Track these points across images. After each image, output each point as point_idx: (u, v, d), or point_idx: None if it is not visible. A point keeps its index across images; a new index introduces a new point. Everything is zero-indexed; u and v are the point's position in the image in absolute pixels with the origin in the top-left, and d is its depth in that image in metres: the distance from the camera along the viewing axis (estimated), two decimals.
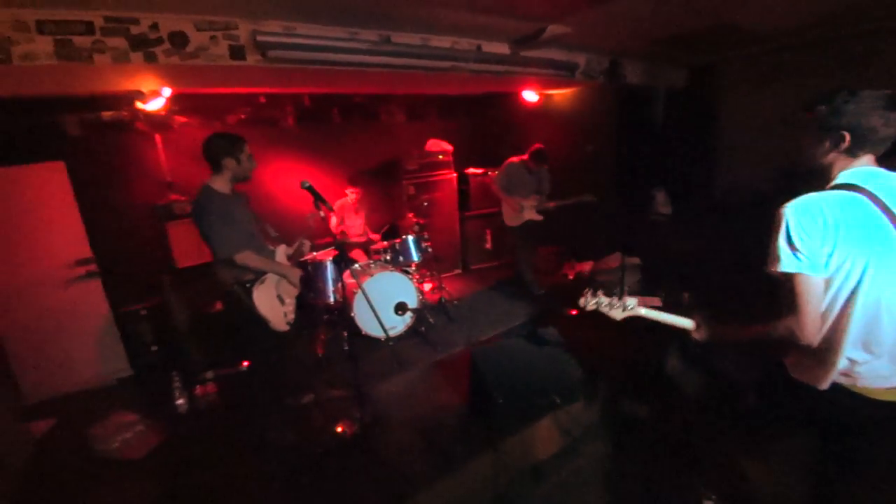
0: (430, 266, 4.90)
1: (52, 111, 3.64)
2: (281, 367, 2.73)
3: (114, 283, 3.80)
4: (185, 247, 3.85)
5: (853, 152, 1.28)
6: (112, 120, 3.84)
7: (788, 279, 1.27)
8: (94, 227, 3.66)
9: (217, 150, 2.39)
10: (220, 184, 2.43)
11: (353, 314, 3.67)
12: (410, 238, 4.19)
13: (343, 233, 4.62)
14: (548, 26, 3.13)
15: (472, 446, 2.53)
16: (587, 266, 5.02)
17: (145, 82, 2.90)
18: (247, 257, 2.41)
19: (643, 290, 4.13)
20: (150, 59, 2.31)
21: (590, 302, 1.75)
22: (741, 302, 4.01)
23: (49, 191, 3.47)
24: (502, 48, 3.53)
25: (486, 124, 6.31)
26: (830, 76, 3.69)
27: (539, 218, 4.62)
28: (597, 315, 1.75)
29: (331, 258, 3.85)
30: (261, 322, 2.46)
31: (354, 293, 3.67)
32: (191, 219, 2.47)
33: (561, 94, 5.28)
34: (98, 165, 3.85)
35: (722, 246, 4.08)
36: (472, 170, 5.82)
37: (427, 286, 4.98)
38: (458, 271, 5.94)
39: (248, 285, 2.45)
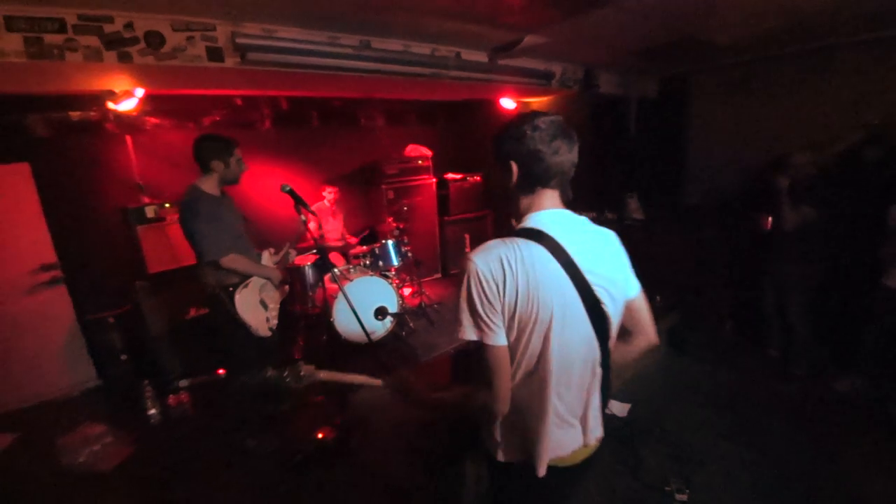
0: (410, 270, 4.90)
1: (17, 110, 3.50)
2: (259, 373, 2.68)
3: (81, 290, 3.66)
4: (158, 251, 3.73)
5: (527, 183, 1.09)
6: (80, 120, 3.71)
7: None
8: (60, 232, 3.54)
9: (206, 151, 2.36)
10: (209, 185, 2.39)
11: (332, 319, 3.64)
12: (390, 242, 4.20)
13: (322, 237, 4.58)
14: (525, 36, 3.22)
15: (453, 449, 2.54)
16: None
17: (118, 82, 2.82)
18: (233, 260, 2.37)
19: None
20: (125, 58, 2.26)
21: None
22: (709, 302, 4.20)
23: (12, 193, 3.34)
24: (481, 56, 3.59)
25: (465, 130, 6.37)
26: (793, 86, 3.91)
27: None
28: None
29: (309, 263, 3.82)
30: (242, 327, 2.42)
31: (334, 298, 3.65)
32: (178, 219, 2.41)
33: (538, 102, 5.39)
34: (65, 167, 3.71)
35: (691, 249, 4.25)
36: (451, 175, 5.87)
37: (407, 291, 4.98)
38: (438, 276, 5.97)
39: (230, 289, 2.41)
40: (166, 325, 3.62)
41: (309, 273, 3.79)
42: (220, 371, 3.44)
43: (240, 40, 2.42)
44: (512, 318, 1.01)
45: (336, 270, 3.95)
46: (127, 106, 3.07)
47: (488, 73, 3.63)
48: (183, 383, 3.36)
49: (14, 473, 2.71)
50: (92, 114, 3.69)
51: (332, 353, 3.72)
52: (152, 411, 3.05)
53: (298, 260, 3.80)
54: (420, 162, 5.58)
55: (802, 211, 3.09)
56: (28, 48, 2.11)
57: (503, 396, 1.07)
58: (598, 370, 1.13)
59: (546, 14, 2.78)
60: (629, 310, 1.19)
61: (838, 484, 2.36)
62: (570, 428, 1.14)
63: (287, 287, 2.83)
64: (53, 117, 3.65)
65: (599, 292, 1.06)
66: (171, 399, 3.16)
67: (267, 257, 2.69)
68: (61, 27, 2.16)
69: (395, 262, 4.20)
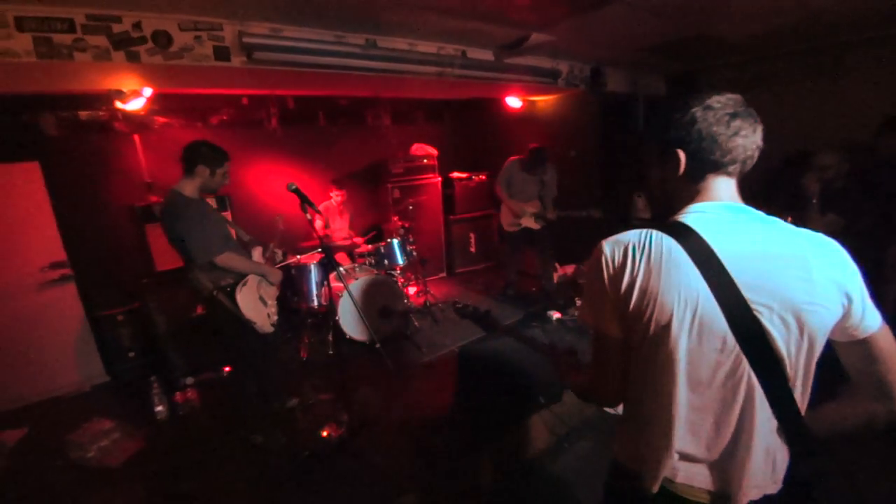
0: (415, 269, 4.90)
1: (27, 110, 3.54)
2: (266, 370, 2.70)
3: (90, 287, 3.70)
4: (165, 250, 3.74)
5: (695, 172, 0.94)
6: (89, 119, 3.75)
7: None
8: (69, 230, 3.57)
9: (198, 155, 2.37)
10: (188, 189, 2.40)
11: (337, 317, 3.65)
12: (395, 241, 4.19)
13: (327, 236, 4.60)
14: (531, 34, 3.20)
15: (458, 447, 2.54)
16: (570, 269, 5.10)
17: (126, 82, 2.85)
18: (229, 258, 2.39)
19: None
20: (133, 58, 2.28)
21: None
22: None
23: (22, 192, 3.38)
24: (487, 55, 3.58)
25: (471, 129, 6.36)
26: (804, 85, 3.86)
27: (536, 227, 4.49)
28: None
29: (315, 262, 3.83)
30: (246, 325, 2.44)
31: (339, 297, 3.66)
32: (160, 224, 2.43)
33: (544, 101, 5.37)
34: (74, 166, 3.75)
35: None
36: (456, 174, 5.87)
37: (412, 290, 4.98)
38: (443, 275, 5.96)
39: (229, 289, 2.42)
40: (173, 322, 3.64)
41: (314, 271, 3.80)
42: (227, 368, 3.46)
43: (246, 39, 2.43)
44: (626, 309, 0.91)
45: (342, 269, 3.96)
46: (135, 105, 3.10)
47: (494, 71, 3.62)
48: (190, 380, 3.39)
49: (25, 467, 2.75)
50: (101, 113, 3.73)
51: (337, 351, 3.73)
52: (160, 408, 3.07)
53: (304, 258, 3.82)
54: (426, 161, 5.58)
55: (829, 219, 2.92)
56: (38, 48, 2.14)
57: (603, 389, 1.02)
58: (757, 414, 0.87)
59: (553, 11, 2.76)
60: (864, 354, 0.90)
61: (844, 486, 2.32)
62: (701, 466, 0.94)
63: (279, 286, 2.82)
64: (63, 116, 3.69)
65: (763, 315, 0.84)
66: (179, 395, 3.19)
67: (257, 255, 2.71)
68: (70, 27, 2.18)
69: (401, 260, 4.20)
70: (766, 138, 0.90)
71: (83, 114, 3.71)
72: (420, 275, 4.83)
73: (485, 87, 4.32)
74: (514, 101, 5.27)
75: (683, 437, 0.92)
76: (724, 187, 0.93)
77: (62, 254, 3.54)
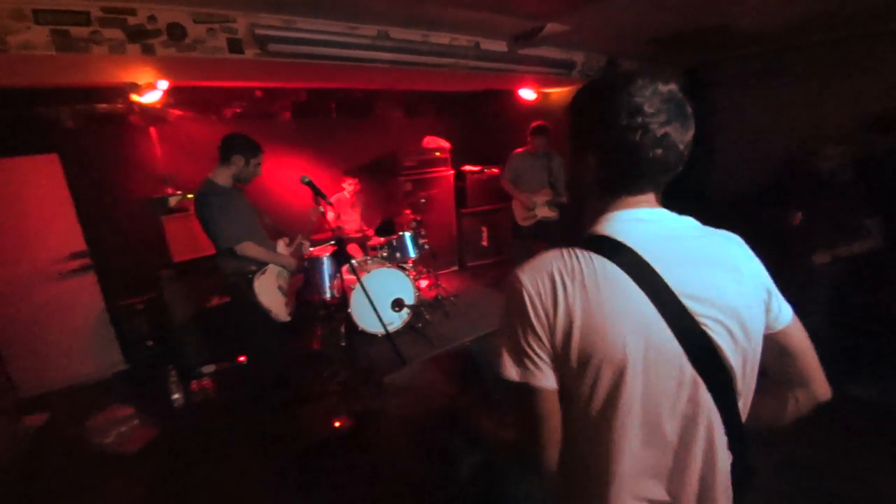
0: (427, 263, 4.90)
1: (46, 103, 3.60)
2: (281, 359, 2.75)
3: (109, 277, 3.79)
4: (182, 241, 3.82)
5: (609, 185, 0.81)
6: (107, 112, 3.80)
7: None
8: (88, 221, 3.66)
9: (234, 146, 2.49)
10: (221, 178, 2.49)
11: (349, 310, 3.67)
12: (407, 234, 4.20)
13: (339, 227, 4.62)
14: (546, 24, 3.15)
15: (467, 441, 2.54)
16: None
17: (142, 74, 2.87)
18: (247, 247, 2.45)
19: None
20: (148, 50, 2.29)
21: None
22: None
23: (43, 183, 3.47)
24: (500, 46, 3.53)
25: (484, 121, 6.31)
26: (824, 78, 3.73)
27: (554, 215, 4.33)
28: None
29: (328, 254, 3.85)
30: (263, 312, 2.49)
31: (351, 289, 3.68)
32: (193, 211, 2.52)
33: (558, 93, 5.29)
34: (92, 158, 3.82)
35: None
36: (469, 167, 5.84)
37: (423, 283, 4.98)
38: (455, 268, 5.96)
39: (249, 276, 2.48)
40: (190, 312, 3.71)
41: (327, 263, 3.83)
42: (241, 358, 3.52)
43: (259, 31, 2.43)
44: (566, 354, 0.74)
45: (354, 262, 3.98)
46: (151, 98, 3.13)
47: (508, 62, 3.57)
48: (205, 369, 3.46)
49: (46, 451, 2.84)
50: (118, 106, 3.77)
51: (349, 343, 3.77)
52: (176, 396, 3.14)
53: (317, 251, 3.85)
54: (438, 154, 5.55)
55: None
56: (55, 40, 2.16)
57: (549, 452, 0.82)
58: (717, 438, 0.77)
59: (566, 1, 2.71)
60: (778, 347, 0.84)
61: (856, 489, 2.29)
62: None
63: (302, 276, 2.88)
64: (81, 109, 3.74)
65: (711, 329, 0.74)
66: (195, 384, 3.26)
67: (282, 246, 2.76)
68: (86, 20, 2.20)
69: (413, 253, 4.21)
70: (784, 134, 0.80)
71: (100, 107, 3.76)
72: (432, 268, 4.83)
73: (498, 78, 4.27)
74: (528, 94, 5.21)
75: (644, 486, 0.77)
76: (640, 198, 0.81)
77: (82, 244, 3.63)
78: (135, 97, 3.11)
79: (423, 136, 5.66)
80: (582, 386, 0.75)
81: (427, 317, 4.22)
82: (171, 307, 3.67)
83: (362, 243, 4.70)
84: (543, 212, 4.34)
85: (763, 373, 0.85)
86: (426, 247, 4.37)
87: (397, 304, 3.91)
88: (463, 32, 3.29)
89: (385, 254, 4.16)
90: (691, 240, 0.79)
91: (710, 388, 0.74)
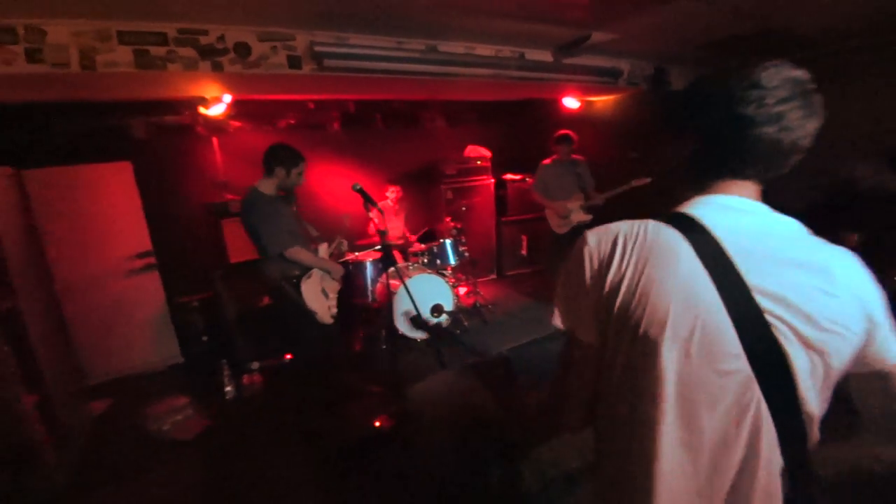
0: (466, 270, 4.94)
1: (121, 115, 3.94)
2: (325, 359, 2.85)
3: (170, 276, 4.06)
4: (238, 243, 4.07)
5: (706, 167, 0.78)
6: (175, 123, 4.12)
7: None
8: (154, 223, 3.94)
9: (275, 157, 2.57)
10: (266, 187, 2.60)
11: (391, 313, 3.76)
12: (448, 242, 4.25)
13: (385, 232, 4.74)
14: (592, 33, 3.14)
15: (504, 449, 2.54)
16: None
17: (209, 89, 3.11)
18: (297, 252, 2.56)
19: None
20: (217, 67, 2.49)
21: None
22: None
23: (117, 188, 3.78)
24: (545, 55, 3.55)
25: (525, 130, 6.31)
26: (887, 80, 3.50)
27: (588, 218, 4.34)
28: None
29: (371, 259, 3.98)
30: (308, 315, 2.60)
31: (393, 293, 3.77)
32: (239, 218, 2.65)
33: (602, 101, 5.23)
34: (160, 166, 4.13)
35: None
36: (510, 175, 5.84)
37: (462, 290, 5.02)
38: (493, 276, 5.96)
39: (295, 280, 2.59)
40: (242, 310, 3.92)
41: (370, 268, 3.95)
42: (287, 356, 3.68)
43: (317, 48, 2.58)
44: (609, 312, 0.74)
45: (398, 267, 4.08)
46: (216, 111, 3.37)
47: (552, 72, 3.58)
48: (255, 365, 3.63)
49: (109, 434, 3.07)
50: (185, 118, 4.09)
51: (389, 346, 3.85)
52: (228, 388, 3.32)
53: (361, 256, 3.98)
54: (479, 162, 5.60)
55: None
56: (136, 59, 2.39)
57: (569, 403, 0.83)
58: (763, 454, 0.68)
59: (615, 9, 2.70)
60: (882, 386, 0.74)
61: None
62: None
63: (341, 280, 2.97)
64: (152, 121, 4.08)
65: (778, 328, 0.67)
66: (245, 378, 3.43)
67: (324, 251, 2.86)
68: (164, 40, 2.42)
69: (453, 261, 4.26)
70: (837, 140, 0.76)
71: (169, 118, 4.09)
72: (470, 275, 4.86)
73: (542, 87, 4.28)
74: (571, 102, 5.18)
75: (669, 484, 0.70)
76: (742, 187, 0.76)
77: (148, 244, 3.91)
78: (202, 110, 3.36)
79: (464, 144, 5.73)
80: (619, 350, 0.74)
81: (465, 323, 4.25)
82: (225, 305, 3.89)
83: (404, 250, 4.81)
84: (578, 216, 4.34)
85: (855, 411, 0.77)
86: (466, 254, 4.41)
87: (436, 310, 3.96)
88: (508, 44, 3.34)
89: (426, 260, 4.23)
90: (783, 238, 0.72)
91: (766, 391, 0.68)
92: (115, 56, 2.36)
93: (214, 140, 4.33)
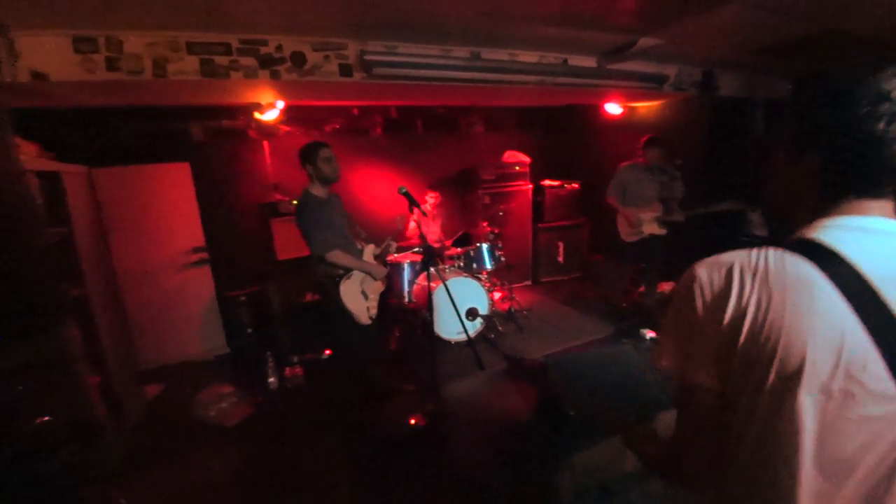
0: (501, 275, 4.95)
1: (181, 119, 4.23)
2: (362, 357, 2.94)
3: (220, 270, 4.28)
4: (286, 242, 4.27)
5: (833, 189, 0.69)
6: (230, 128, 4.38)
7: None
8: (208, 220, 4.17)
9: (301, 159, 2.70)
10: (316, 188, 2.72)
11: (427, 314, 3.82)
12: (485, 246, 4.28)
13: (423, 236, 4.84)
14: (639, 39, 3.10)
15: (539, 455, 2.54)
16: (667, 286, 4.79)
17: (265, 96, 3.29)
18: (335, 255, 2.66)
19: None
20: (275, 76, 2.65)
21: None
22: None
23: (175, 187, 4.02)
24: (589, 61, 3.54)
25: (564, 136, 6.26)
26: None
27: (662, 232, 4.04)
28: None
29: (408, 260, 4.06)
30: (345, 314, 2.68)
31: (430, 295, 3.83)
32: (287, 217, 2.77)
33: (646, 107, 5.12)
34: (215, 167, 4.38)
35: None
36: (548, 181, 5.81)
37: (497, 295, 5.03)
38: (528, 283, 5.93)
39: (336, 279, 2.69)
40: (286, 306, 4.10)
41: (407, 269, 4.03)
42: (327, 351, 3.81)
43: (367, 57, 2.69)
44: (730, 353, 0.66)
45: (438, 269, 4.14)
46: (270, 116, 3.56)
47: (596, 78, 3.56)
48: (296, 358, 3.77)
49: (160, 417, 3.27)
50: (239, 122, 4.34)
51: (425, 346, 3.92)
52: (271, 379, 3.47)
53: (400, 257, 4.06)
54: (517, 168, 5.60)
55: None
56: (202, 68, 2.57)
57: (687, 462, 0.75)
58: None
59: (663, 14, 2.66)
60: None
61: None
62: None
63: (385, 280, 3.06)
64: (209, 125, 4.35)
65: None
66: (288, 371, 3.58)
67: (370, 252, 2.95)
68: (227, 50, 2.60)
69: (489, 265, 4.28)
70: None
71: (226, 123, 4.34)
72: (506, 280, 4.87)
73: (584, 93, 4.25)
74: (613, 108, 5.10)
75: None
76: (872, 204, 0.67)
77: (202, 240, 4.15)
78: (256, 115, 3.55)
79: (503, 149, 5.75)
80: (745, 389, 0.66)
81: (500, 328, 4.25)
82: (271, 300, 4.08)
83: (440, 253, 4.88)
84: (651, 228, 4.05)
85: None
86: (502, 259, 4.42)
87: (471, 314, 4.00)
88: (551, 50, 3.35)
89: (461, 263, 4.27)
90: None
91: None
92: (184, 65, 2.55)
93: (265, 144, 4.56)
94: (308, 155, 2.68)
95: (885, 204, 0.67)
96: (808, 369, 0.60)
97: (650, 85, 3.83)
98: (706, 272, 0.71)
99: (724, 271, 0.69)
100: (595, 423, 2.41)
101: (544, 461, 2.48)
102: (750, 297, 0.65)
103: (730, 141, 4.59)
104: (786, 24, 2.87)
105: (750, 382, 0.65)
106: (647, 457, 0.89)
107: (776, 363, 0.62)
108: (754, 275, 0.65)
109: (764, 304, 0.63)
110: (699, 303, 0.70)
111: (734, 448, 0.69)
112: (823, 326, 0.61)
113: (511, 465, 2.51)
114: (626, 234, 4.20)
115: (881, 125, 0.61)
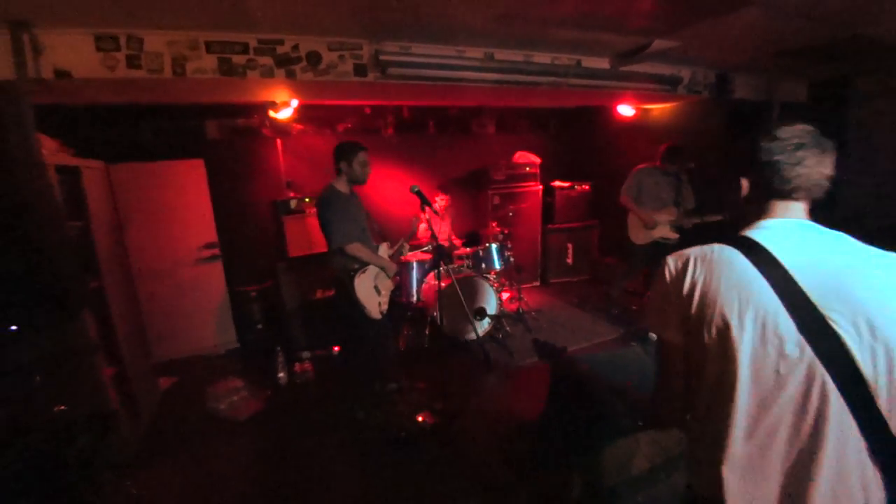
0: (510, 276, 4.95)
1: (197, 116, 4.29)
2: (372, 352, 2.97)
3: (232, 266, 4.34)
4: (298, 239, 4.32)
5: (763, 196, 1.00)
6: (244, 126, 4.43)
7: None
8: (221, 217, 4.22)
9: (338, 154, 2.75)
10: (341, 184, 2.78)
11: (435, 314, 3.84)
12: (494, 246, 4.28)
13: (433, 236, 4.86)
14: (653, 41, 3.09)
15: (545, 456, 2.54)
16: None
17: (280, 94, 3.33)
18: (356, 248, 2.70)
19: None
20: (291, 75, 2.68)
21: None
22: None
23: (190, 184, 4.08)
24: (603, 63, 3.53)
25: (575, 138, 6.25)
26: None
27: (674, 237, 4.05)
28: None
29: (416, 259, 4.08)
30: (358, 307, 2.72)
31: (438, 295, 3.85)
32: (314, 211, 2.81)
33: (659, 109, 5.10)
34: (229, 164, 4.43)
35: None
36: (558, 183, 5.81)
37: (505, 295, 5.03)
38: (537, 283, 5.92)
39: (352, 273, 2.73)
40: (297, 302, 4.14)
41: (416, 269, 4.05)
42: (336, 348, 3.84)
43: (382, 57, 2.72)
44: (688, 314, 0.96)
45: (448, 268, 4.16)
46: (284, 114, 3.60)
47: (609, 79, 3.55)
48: (306, 354, 3.81)
49: (173, 409, 3.33)
50: (253, 120, 4.39)
51: (433, 345, 3.94)
52: (281, 374, 3.51)
53: (410, 256, 4.09)
54: (528, 169, 5.60)
55: None
56: (220, 66, 2.61)
57: (664, 396, 1.07)
58: (833, 430, 0.82)
59: (679, 17, 2.65)
60: None
61: None
62: (771, 487, 0.88)
63: (397, 278, 3.10)
64: (224, 123, 4.40)
65: (838, 323, 0.82)
66: (297, 366, 3.62)
67: (384, 249, 2.99)
68: (245, 49, 2.63)
69: (498, 265, 4.28)
70: None
71: (240, 121, 4.40)
72: (514, 281, 4.87)
73: (596, 95, 4.24)
74: (626, 110, 5.08)
75: (749, 456, 0.88)
76: (790, 208, 0.97)
77: (214, 236, 4.21)
78: (271, 113, 3.59)
79: (513, 150, 5.75)
80: (700, 342, 0.94)
81: (508, 328, 4.26)
82: (282, 296, 4.12)
83: (449, 253, 4.89)
84: (663, 231, 4.06)
85: None
86: (511, 259, 4.43)
87: (478, 313, 4.00)
88: (565, 51, 3.35)
89: (471, 263, 4.28)
90: (833, 249, 0.91)
91: (832, 373, 0.82)
92: (203, 63, 2.59)
93: (279, 142, 4.61)
94: (346, 153, 2.74)
95: (798, 204, 0.97)
96: (734, 322, 0.88)
97: (664, 87, 3.81)
98: (672, 260, 1.02)
99: (683, 259, 1.00)
100: (605, 425, 2.41)
101: (553, 462, 2.49)
102: (698, 276, 0.95)
103: (744, 144, 4.53)
104: (809, 29, 2.83)
105: (703, 336, 0.93)
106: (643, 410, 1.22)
107: (717, 319, 0.90)
108: (703, 261, 0.96)
109: (707, 280, 0.94)
110: (667, 280, 1.01)
111: (695, 393, 0.98)
112: (744, 290, 0.89)
113: (520, 466, 2.52)
114: (636, 236, 4.20)
115: (780, 157, 0.95)
